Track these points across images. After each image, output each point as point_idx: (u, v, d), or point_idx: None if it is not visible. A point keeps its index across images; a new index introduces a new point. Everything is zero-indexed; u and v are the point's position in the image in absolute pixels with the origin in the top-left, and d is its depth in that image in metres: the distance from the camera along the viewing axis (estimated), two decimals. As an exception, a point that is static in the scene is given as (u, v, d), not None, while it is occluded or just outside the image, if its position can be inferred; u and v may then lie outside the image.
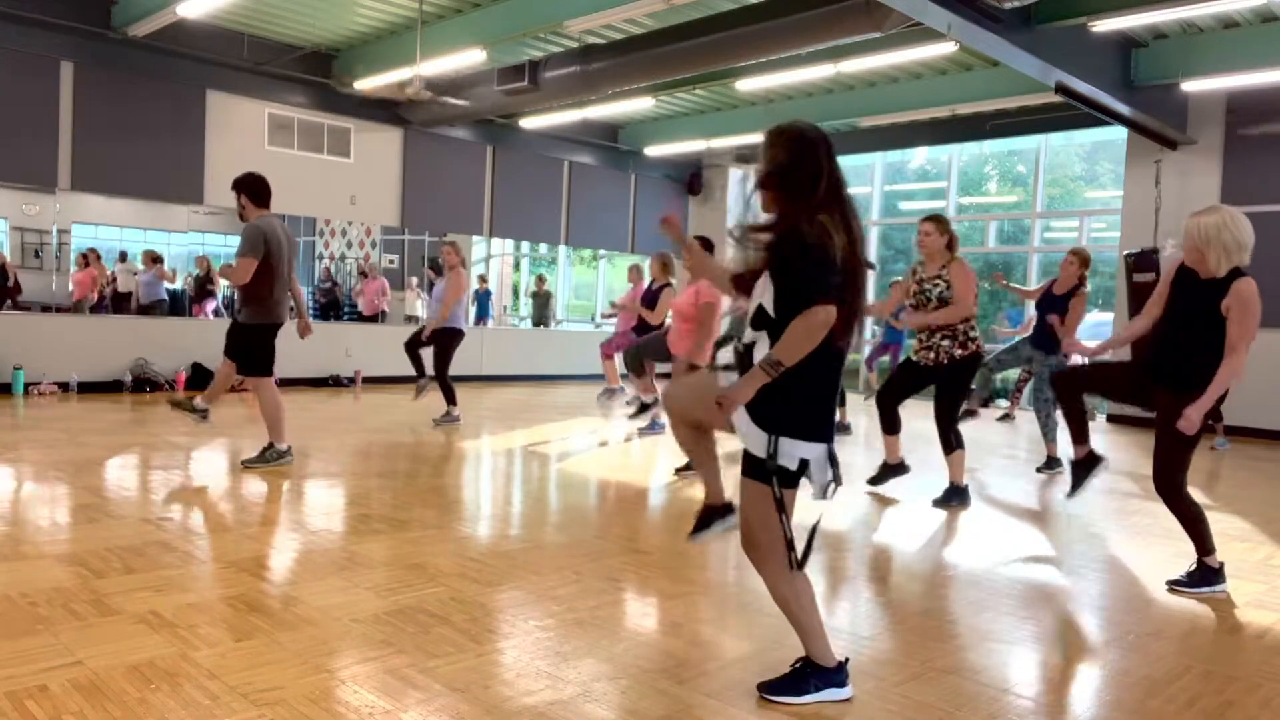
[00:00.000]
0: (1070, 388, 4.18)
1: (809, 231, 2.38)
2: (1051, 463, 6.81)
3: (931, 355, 5.31)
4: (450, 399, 8.10)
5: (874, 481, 5.65)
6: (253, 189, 5.62)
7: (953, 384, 5.35)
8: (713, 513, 2.92)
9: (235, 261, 5.58)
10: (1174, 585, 3.83)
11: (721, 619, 3.30)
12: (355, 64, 10.60)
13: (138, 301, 11.25)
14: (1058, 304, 6.68)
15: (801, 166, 2.47)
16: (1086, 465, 4.21)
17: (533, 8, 8.56)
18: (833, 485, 2.52)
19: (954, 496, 5.37)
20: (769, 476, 2.44)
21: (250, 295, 5.60)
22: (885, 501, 5.49)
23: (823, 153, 2.48)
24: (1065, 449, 6.55)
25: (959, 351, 5.24)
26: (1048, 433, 6.84)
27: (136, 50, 9.55)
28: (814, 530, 2.54)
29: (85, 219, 11.59)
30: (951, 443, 5.34)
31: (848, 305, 2.42)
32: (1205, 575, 3.81)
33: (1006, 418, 10.67)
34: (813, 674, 2.53)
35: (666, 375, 7.93)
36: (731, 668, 2.77)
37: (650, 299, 8.24)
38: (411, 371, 8.46)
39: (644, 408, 7.61)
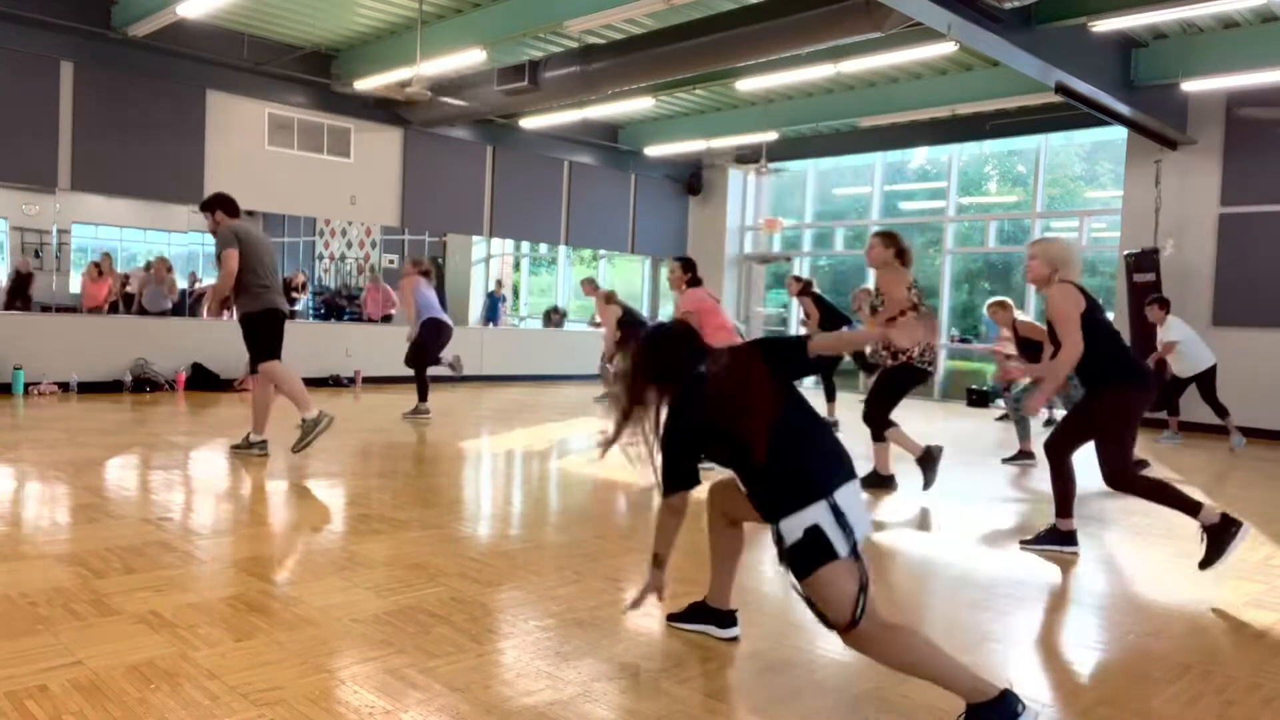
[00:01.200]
0: (1056, 448, 4.35)
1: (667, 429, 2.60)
2: (1021, 455, 7.13)
3: (879, 360, 5.80)
4: (423, 394, 8.44)
5: (926, 486, 5.65)
6: (224, 205, 5.94)
7: (883, 388, 5.72)
8: (701, 611, 2.98)
9: (218, 263, 5.84)
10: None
11: (721, 619, 3.29)
12: (355, 64, 10.60)
13: (141, 306, 11.25)
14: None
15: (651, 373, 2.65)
16: (1061, 538, 4.38)
17: (533, 8, 8.56)
18: (856, 538, 2.33)
19: (873, 482, 5.67)
20: (789, 562, 2.34)
21: (240, 288, 5.83)
22: (884, 501, 5.49)
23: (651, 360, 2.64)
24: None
25: (890, 361, 5.59)
26: (1020, 430, 7.23)
27: (136, 50, 9.55)
28: (862, 588, 2.31)
29: (85, 219, 11.59)
30: (881, 434, 5.69)
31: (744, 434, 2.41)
32: (1219, 538, 3.81)
33: (1006, 418, 10.66)
34: (980, 716, 2.21)
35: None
36: (731, 668, 2.77)
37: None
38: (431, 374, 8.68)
39: None
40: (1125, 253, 10.47)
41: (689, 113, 13.22)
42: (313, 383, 10.87)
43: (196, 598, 3.16)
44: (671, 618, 3.04)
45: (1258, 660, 3.06)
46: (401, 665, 2.63)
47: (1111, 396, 4.04)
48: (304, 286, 13.23)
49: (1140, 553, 4.52)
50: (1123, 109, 9.26)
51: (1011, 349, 7.06)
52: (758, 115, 12.38)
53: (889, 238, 5.64)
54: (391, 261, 13.67)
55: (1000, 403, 11.32)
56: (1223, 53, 8.96)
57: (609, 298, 10.52)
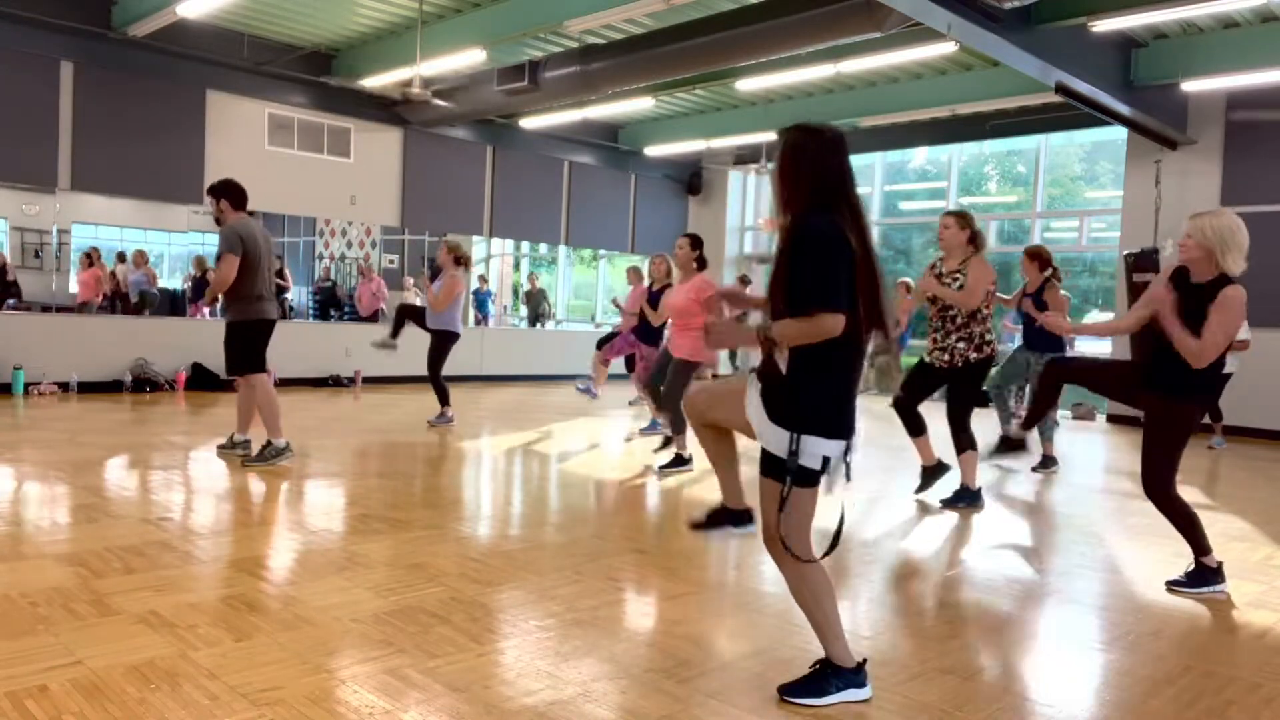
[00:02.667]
0: (1057, 375, 4.22)
1: (816, 232, 2.41)
2: (1047, 461, 6.84)
3: (946, 357, 5.27)
4: (444, 399, 8.10)
5: (921, 489, 5.54)
6: (232, 194, 5.80)
7: (967, 386, 5.32)
8: (725, 515, 2.92)
9: (217, 264, 5.74)
10: (1173, 585, 3.83)
11: (721, 619, 3.30)
12: (355, 64, 10.60)
13: (132, 304, 11.26)
14: (1038, 304, 6.69)
15: (799, 166, 2.48)
16: (1012, 446, 4.34)
17: (533, 8, 8.56)
18: (843, 480, 2.51)
19: (964, 498, 5.34)
20: (782, 476, 2.45)
21: (233, 294, 5.72)
22: (885, 501, 5.49)
23: (827, 151, 2.47)
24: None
25: (974, 354, 5.20)
26: (1045, 431, 6.85)
27: (136, 50, 9.55)
28: (840, 524, 2.54)
29: (85, 219, 11.58)
30: (963, 443, 5.31)
31: (863, 305, 2.41)
32: (1204, 575, 3.81)
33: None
34: (833, 674, 2.52)
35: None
36: (731, 668, 2.77)
37: (654, 299, 8.14)
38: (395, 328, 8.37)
39: (668, 442, 6.64)
40: (1125, 253, 10.45)
41: (689, 113, 13.21)
42: (312, 383, 10.91)
43: (196, 598, 3.16)
44: (694, 525, 2.99)
45: (1258, 660, 3.06)
46: (401, 665, 2.63)
47: (1193, 408, 3.75)
48: (281, 273, 13.18)
49: (1140, 553, 4.52)
50: (1123, 109, 9.26)
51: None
52: (758, 115, 12.38)
53: (966, 217, 5.30)
54: (391, 261, 13.66)
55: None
56: (1223, 53, 8.96)
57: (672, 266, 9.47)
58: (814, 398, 2.45)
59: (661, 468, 6.16)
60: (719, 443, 2.89)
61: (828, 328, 2.35)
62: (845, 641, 2.56)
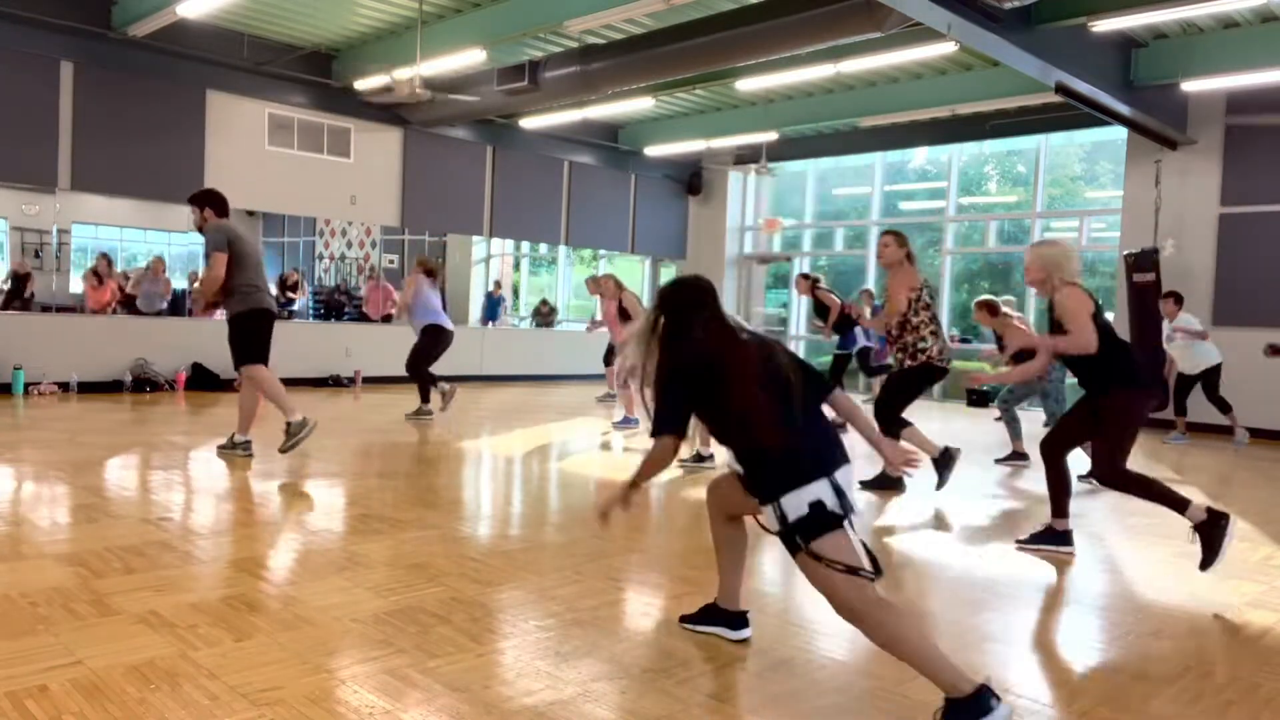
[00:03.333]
0: (1052, 448, 4.36)
1: (659, 365, 2.70)
2: (1014, 456, 7.14)
3: (896, 360, 5.74)
4: (424, 395, 8.38)
5: (941, 484, 5.62)
6: (214, 203, 5.90)
7: (898, 387, 5.70)
8: (714, 614, 2.98)
9: (208, 263, 5.79)
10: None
11: (721, 619, 3.29)
12: (355, 64, 10.60)
13: (136, 307, 11.26)
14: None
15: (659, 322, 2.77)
16: (1057, 538, 4.38)
17: (533, 8, 8.56)
18: (849, 514, 2.42)
19: (886, 483, 5.67)
20: (791, 541, 2.42)
21: (227, 290, 5.79)
22: (884, 501, 5.49)
23: (665, 308, 2.76)
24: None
25: (909, 363, 5.59)
26: (1012, 430, 7.25)
27: (136, 50, 9.55)
28: (865, 547, 2.44)
29: (85, 219, 11.60)
30: (891, 434, 5.56)
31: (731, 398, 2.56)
32: (1210, 535, 3.78)
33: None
34: (955, 712, 2.23)
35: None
36: (731, 668, 2.77)
37: (624, 314, 8.46)
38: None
39: (700, 459, 6.41)
40: (1125, 252, 10.45)
41: (689, 113, 13.21)
42: (313, 383, 10.90)
43: (196, 598, 3.16)
44: (684, 619, 3.05)
45: (1258, 660, 3.06)
46: (401, 665, 2.63)
47: (1118, 398, 4.05)
48: (298, 286, 13.21)
49: (1139, 553, 4.52)
50: (1123, 109, 9.25)
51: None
52: (758, 115, 12.38)
53: (901, 237, 5.61)
54: (391, 261, 13.69)
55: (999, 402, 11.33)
56: (1223, 53, 8.96)
57: (619, 284, 9.89)
58: (766, 467, 2.50)
59: (681, 462, 6.20)
60: (729, 535, 2.95)
61: (658, 454, 2.66)
62: (954, 668, 2.27)
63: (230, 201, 6.07)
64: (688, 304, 2.76)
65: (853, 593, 2.37)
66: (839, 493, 2.42)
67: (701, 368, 2.64)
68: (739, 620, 2.94)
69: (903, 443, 5.55)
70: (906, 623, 2.44)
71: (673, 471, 6.12)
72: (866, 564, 2.38)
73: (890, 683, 2.67)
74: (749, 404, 2.54)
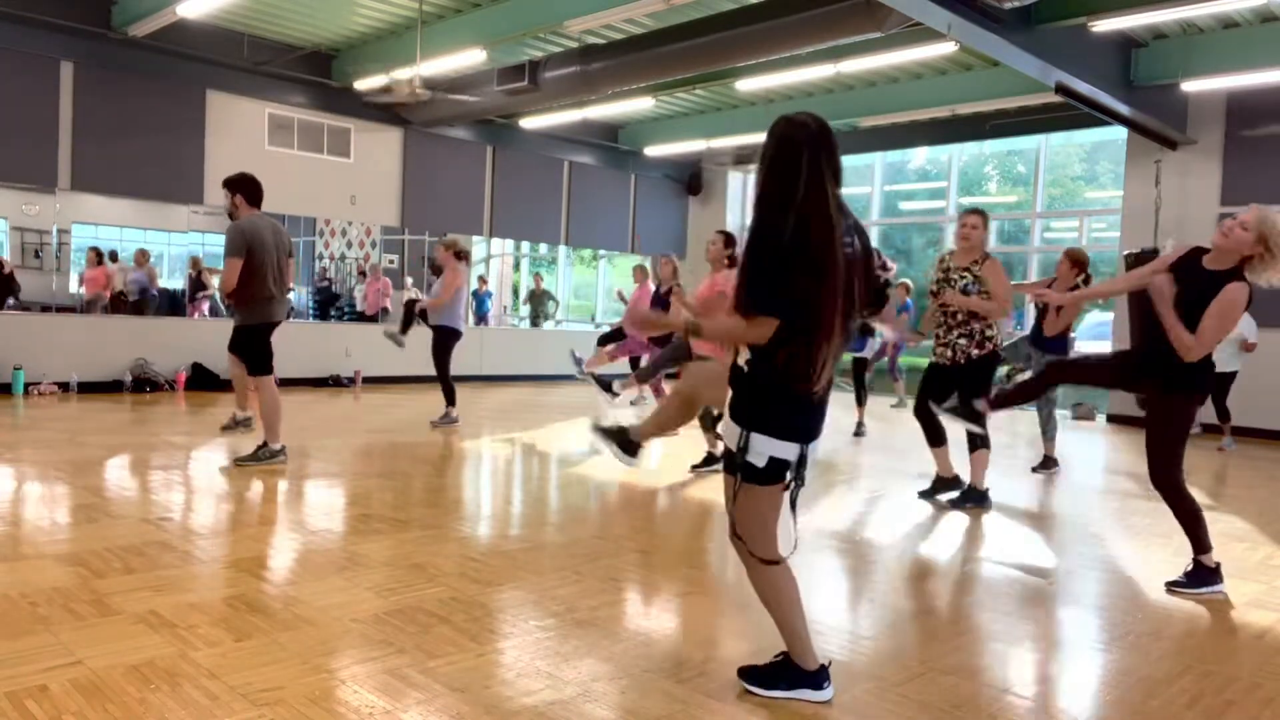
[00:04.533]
0: (1054, 377, 4.25)
1: (777, 229, 2.29)
2: (1048, 462, 6.82)
3: (949, 353, 5.25)
4: (450, 399, 8.07)
5: (926, 495, 5.52)
6: (248, 189, 5.69)
7: (971, 382, 5.20)
8: (621, 438, 3.10)
9: (225, 264, 5.65)
10: (1172, 586, 3.82)
11: (721, 619, 3.30)
12: (355, 64, 10.60)
13: (128, 300, 11.26)
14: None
15: (777, 161, 2.35)
16: (970, 415, 4.38)
17: (533, 8, 8.56)
18: (793, 485, 2.46)
19: (971, 498, 5.34)
20: (733, 470, 2.45)
21: (240, 297, 5.62)
22: (885, 502, 5.49)
23: (804, 147, 2.31)
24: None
25: (975, 350, 5.18)
26: (1047, 431, 6.86)
27: (136, 50, 9.55)
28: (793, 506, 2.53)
29: (85, 219, 11.59)
30: (975, 443, 5.28)
31: (825, 307, 2.29)
32: (1202, 575, 3.80)
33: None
34: (789, 672, 2.52)
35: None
36: (731, 668, 2.76)
37: (660, 303, 8.07)
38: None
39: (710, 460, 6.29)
40: (1125, 253, 10.42)
41: (689, 113, 13.21)
42: (313, 383, 10.90)
43: (196, 598, 3.16)
44: (594, 428, 3.22)
45: (1258, 660, 3.06)
46: (401, 665, 2.63)
47: (1185, 402, 3.78)
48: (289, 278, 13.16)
49: (1140, 553, 4.52)
50: (1123, 109, 9.25)
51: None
52: (758, 115, 12.37)
53: (985, 216, 5.32)
54: (391, 261, 13.67)
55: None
56: (1223, 53, 8.96)
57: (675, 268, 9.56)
58: (767, 398, 2.41)
59: (694, 467, 6.19)
60: (681, 413, 2.94)
61: (756, 334, 2.33)
62: (808, 643, 2.52)
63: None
64: (827, 162, 2.31)
65: (756, 536, 2.47)
66: (802, 463, 2.44)
67: (810, 260, 2.28)
68: (632, 445, 2.92)
69: (972, 463, 5.33)
70: (787, 585, 2.52)
71: (680, 474, 6.12)
72: (782, 546, 2.47)
73: (890, 683, 2.68)
74: (828, 339, 2.30)
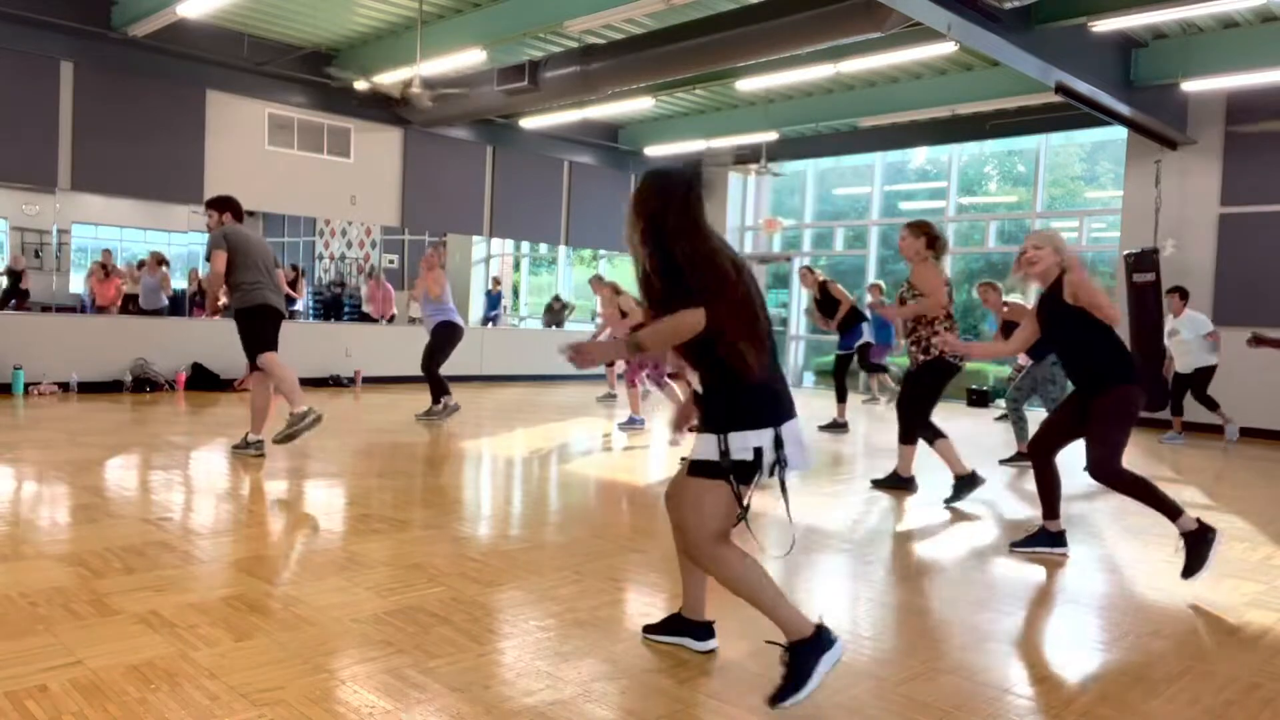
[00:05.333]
0: (1040, 449, 4.31)
1: (672, 250, 2.50)
2: (1020, 457, 6.99)
3: (910, 356, 5.62)
4: (436, 395, 8.15)
5: (950, 501, 5.48)
6: (234, 210, 5.97)
7: (914, 384, 5.56)
8: (683, 625, 2.87)
9: (209, 264, 5.87)
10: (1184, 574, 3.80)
11: (721, 619, 3.29)
12: (355, 64, 10.60)
13: (139, 305, 11.26)
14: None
15: (648, 209, 2.58)
16: (1050, 539, 4.35)
17: (533, 8, 8.57)
18: (778, 466, 2.48)
19: (897, 483, 5.68)
20: (724, 475, 2.44)
21: (231, 288, 5.87)
22: (884, 501, 5.49)
23: (680, 187, 2.57)
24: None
25: (921, 357, 5.47)
26: (1019, 433, 7.14)
27: (136, 50, 9.56)
28: (745, 511, 2.51)
29: (85, 219, 11.59)
30: (909, 436, 5.59)
31: (730, 293, 2.47)
32: (1197, 546, 3.78)
33: (1005, 418, 10.65)
34: (801, 653, 2.40)
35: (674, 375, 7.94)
36: (731, 668, 2.77)
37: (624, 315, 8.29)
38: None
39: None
40: (1125, 253, 10.46)
41: (689, 113, 13.22)
42: (312, 382, 10.90)
43: (196, 598, 3.16)
44: (647, 630, 2.96)
45: (1258, 660, 3.05)
46: (401, 665, 2.63)
47: (1115, 394, 3.99)
48: (296, 283, 13.12)
49: (1138, 553, 4.52)
50: (1123, 109, 9.26)
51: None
52: (758, 115, 12.38)
53: (919, 227, 5.46)
54: (391, 261, 13.67)
55: (1000, 402, 11.33)
56: (1223, 53, 8.96)
57: (616, 289, 9.90)
58: (729, 400, 2.49)
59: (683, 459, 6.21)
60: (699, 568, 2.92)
61: (691, 322, 2.43)
62: (797, 612, 2.46)
63: (231, 202, 6.10)
64: (698, 197, 2.59)
65: (708, 525, 2.48)
66: (778, 443, 2.47)
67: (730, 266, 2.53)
68: (704, 631, 2.86)
69: (935, 452, 5.51)
70: (755, 568, 2.50)
71: (674, 468, 6.12)
72: (779, 545, 2.59)
73: (890, 683, 2.68)
74: (756, 329, 2.50)
